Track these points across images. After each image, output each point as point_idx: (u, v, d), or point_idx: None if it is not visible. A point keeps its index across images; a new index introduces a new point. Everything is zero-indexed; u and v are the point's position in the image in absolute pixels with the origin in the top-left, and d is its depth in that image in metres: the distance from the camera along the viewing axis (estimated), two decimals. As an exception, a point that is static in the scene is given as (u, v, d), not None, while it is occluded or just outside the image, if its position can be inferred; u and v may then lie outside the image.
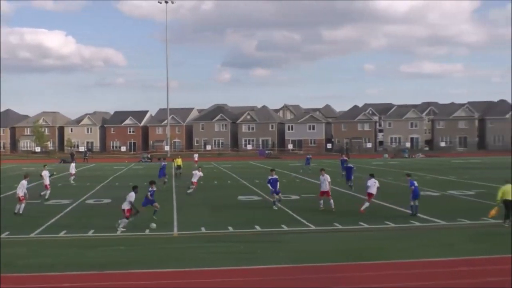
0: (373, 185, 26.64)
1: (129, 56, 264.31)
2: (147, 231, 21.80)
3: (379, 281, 14.04)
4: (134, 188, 22.83)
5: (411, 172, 28.18)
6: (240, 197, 32.99)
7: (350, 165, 40.19)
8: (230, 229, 22.09)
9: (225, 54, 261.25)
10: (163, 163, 43.75)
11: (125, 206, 22.22)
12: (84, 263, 16.22)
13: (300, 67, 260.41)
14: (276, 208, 27.50)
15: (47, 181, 33.92)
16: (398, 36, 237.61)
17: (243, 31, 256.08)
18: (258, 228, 22.21)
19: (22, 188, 26.95)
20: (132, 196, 22.29)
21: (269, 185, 28.55)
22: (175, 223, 23.77)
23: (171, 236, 21.18)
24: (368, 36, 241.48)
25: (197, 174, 35.72)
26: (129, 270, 15.38)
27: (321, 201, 27.01)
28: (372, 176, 27.23)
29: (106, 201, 32.41)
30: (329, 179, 27.22)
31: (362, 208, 25.91)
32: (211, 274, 15.01)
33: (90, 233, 21.61)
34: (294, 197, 32.68)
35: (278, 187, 28.44)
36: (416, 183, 25.56)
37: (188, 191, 34.82)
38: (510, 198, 21.91)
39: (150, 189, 24.41)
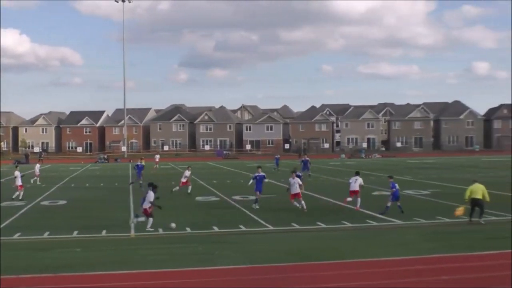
0: (354, 182, 27.32)
1: (85, 56, 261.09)
2: (103, 232, 21.57)
3: (334, 280, 14.11)
4: (153, 187, 22.54)
5: (392, 175, 28.59)
6: (198, 198, 32.88)
7: (307, 158, 41.27)
8: (188, 230, 22.02)
9: (182, 54, 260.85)
10: (140, 164, 42.04)
11: (146, 205, 22.13)
12: (38, 266, 15.94)
13: (257, 67, 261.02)
14: (256, 208, 27.40)
15: (19, 181, 33.23)
16: (355, 37, 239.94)
17: (201, 32, 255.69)
18: (216, 229, 22.18)
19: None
20: (151, 196, 22.10)
21: (253, 181, 28.83)
22: (132, 224, 23.55)
23: (128, 237, 20.99)
24: (325, 37, 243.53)
25: (187, 173, 35.57)
26: (85, 273, 15.18)
27: (295, 203, 26.88)
28: (357, 174, 28.07)
29: (61, 202, 31.96)
30: (299, 182, 27.29)
31: (346, 200, 27.30)
32: (169, 276, 14.91)
33: (46, 235, 21.27)
34: (252, 197, 32.63)
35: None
36: (397, 186, 26.07)
37: (174, 189, 35.38)
38: (478, 197, 22.47)
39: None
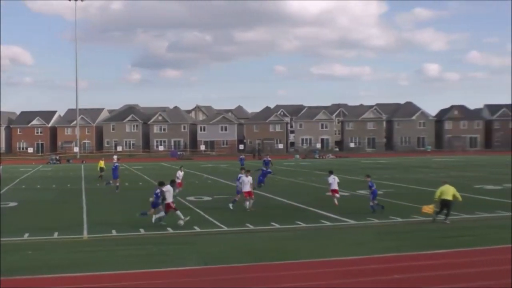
0: (333, 181, 28.50)
1: (37, 55, 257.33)
2: (55, 235, 21.25)
3: (289, 280, 14.15)
4: (172, 182, 24.40)
5: (370, 174, 29.26)
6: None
7: (268, 158, 41.78)
8: (142, 231, 21.84)
9: (135, 54, 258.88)
10: (116, 164, 39.91)
11: (169, 199, 23.10)
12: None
13: (211, 68, 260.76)
14: (232, 208, 27.28)
15: None
16: (309, 38, 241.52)
17: (153, 32, 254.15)
18: (170, 230, 22.05)
19: None
20: (170, 190, 23.38)
21: (238, 183, 28.13)
22: (85, 226, 23.26)
23: (81, 239, 20.72)
24: (279, 38, 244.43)
25: (180, 174, 34.82)
26: (37, 276, 14.93)
27: (247, 202, 26.90)
28: (331, 173, 29.34)
29: (12, 204, 31.34)
30: (251, 181, 27.35)
31: (336, 202, 28.08)
32: (122, 278, 14.76)
33: (-5, 237, 20.86)
34: (206, 198, 32.64)
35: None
36: (374, 185, 26.85)
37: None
38: (449, 198, 22.80)
39: (157, 190, 24.00)
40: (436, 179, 43.52)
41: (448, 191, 23.02)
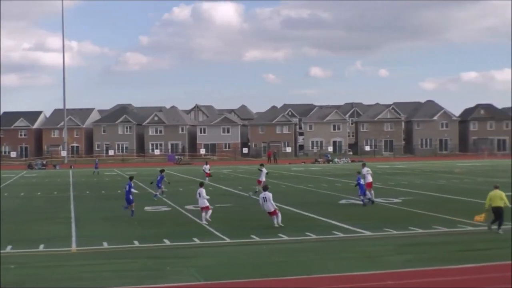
0: (367, 174, 32.42)
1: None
2: (41, 247, 21.28)
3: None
4: (201, 185, 27.66)
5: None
6: (147, 208, 32.62)
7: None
8: (136, 243, 21.85)
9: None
10: (160, 176, 38.81)
11: (205, 203, 26.58)
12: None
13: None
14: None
15: None
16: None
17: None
18: (167, 242, 22.06)
19: None
20: (204, 192, 26.66)
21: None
22: (74, 238, 23.31)
23: (69, 252, 20.76)
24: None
25: (206, 167, 36.97)
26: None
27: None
28: (364, 165, 33.71)
29: (-7, 214, 31.42)
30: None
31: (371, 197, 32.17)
32: (114, 294, 14.81)
33: (-25, 250, 20.90)
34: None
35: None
36: (361, 179, 31.82)
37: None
38: (499, 205, 22.81)
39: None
40: (460, 186, 43.46)
41: (497, 197, 22.96)
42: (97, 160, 78.59)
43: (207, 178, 49.20)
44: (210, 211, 26.81)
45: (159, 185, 38.43)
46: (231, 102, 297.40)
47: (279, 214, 25.29)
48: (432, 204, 32.04)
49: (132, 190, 29.36)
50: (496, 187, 23.61)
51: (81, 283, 15.81)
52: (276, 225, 24.88)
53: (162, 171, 39.14)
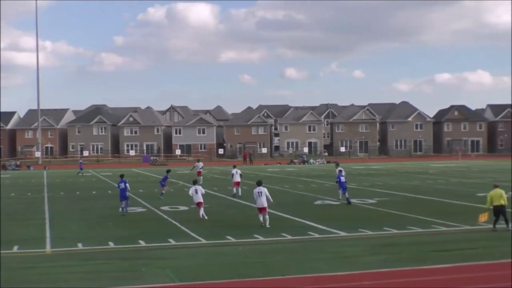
0: (340, 175, 33.65)
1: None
2: (15, 248, 21.13)
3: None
4: (195, 182, 29.71)
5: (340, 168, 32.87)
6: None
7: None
8: (111, 244, 21.76)
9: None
10: (165, 176, 39.32)
11: (201, 199, 27.98)
12: None
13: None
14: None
15: None
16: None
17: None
18: (142, 243, 21.99)
19: None
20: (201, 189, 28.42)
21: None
22: (48, 239, 23.15)
23: (43, 253, 20.62)
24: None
25: (199, 165, 37.25)
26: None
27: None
28: (338, 165, 35.88)
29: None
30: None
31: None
32: (89, 296, 14.74)
33: None
34: (182, 208, 32.54)
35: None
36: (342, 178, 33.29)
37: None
38: (501, 203, 23.02)
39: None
40: (435, 186, 43.77)
41: (497, 196, 23.21)
42: (81, 161, 78.05)
43: (201, 177, 48.59)
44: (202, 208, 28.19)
45: (163, 184, 38.74)
46: (207, 103, 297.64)
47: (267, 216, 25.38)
48: (407, 205, 32.23)
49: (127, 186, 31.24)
50: (496, 186, 23.91)
51: (55, 284, 15.70)
52: (262, 224, 25.09)
53: (168, 171, 40.21)
